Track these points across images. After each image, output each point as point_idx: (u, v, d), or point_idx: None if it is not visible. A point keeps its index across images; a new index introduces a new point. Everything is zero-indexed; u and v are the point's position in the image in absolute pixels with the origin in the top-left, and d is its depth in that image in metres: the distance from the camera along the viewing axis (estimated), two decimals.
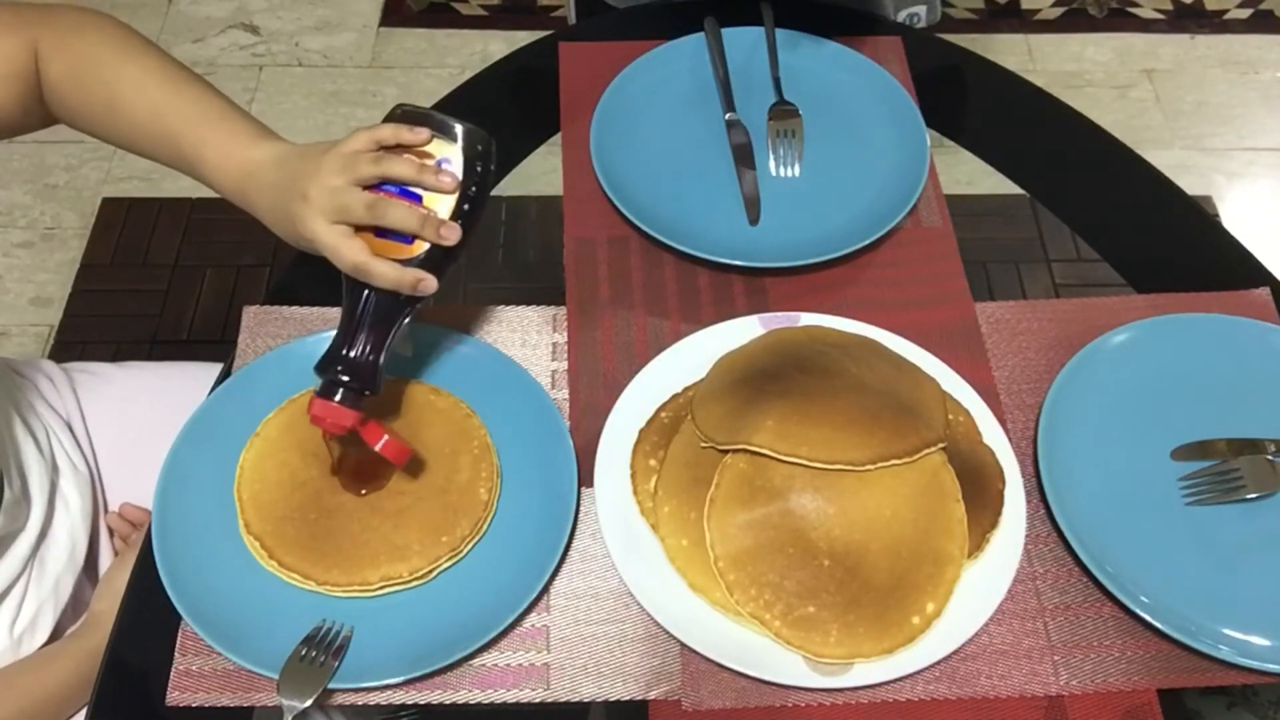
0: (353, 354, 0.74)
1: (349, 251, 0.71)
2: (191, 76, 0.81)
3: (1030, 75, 1.12)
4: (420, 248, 0.73)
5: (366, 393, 0.74)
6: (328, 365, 0.74)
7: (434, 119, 0.75)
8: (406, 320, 0.76)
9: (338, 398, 0.73)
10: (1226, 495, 0.78)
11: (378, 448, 0.74)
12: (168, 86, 0.79)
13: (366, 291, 0.74)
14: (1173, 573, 0.75)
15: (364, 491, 0.77)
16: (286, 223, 0.74)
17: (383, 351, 0.75)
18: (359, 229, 0.73)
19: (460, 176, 0.74)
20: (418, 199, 0.73)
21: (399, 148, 0.73)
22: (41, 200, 2.04)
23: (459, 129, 0.75)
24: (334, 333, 0.81)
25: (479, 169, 0.75)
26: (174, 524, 0.76)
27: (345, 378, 0.73)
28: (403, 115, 0.75)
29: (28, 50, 0.79)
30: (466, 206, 0.74)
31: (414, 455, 0.77)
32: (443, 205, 0.74)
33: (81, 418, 1.04)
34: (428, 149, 0.74)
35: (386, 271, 0.72)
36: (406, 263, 0.73)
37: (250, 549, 0.75)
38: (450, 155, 0.74)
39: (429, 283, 0.73)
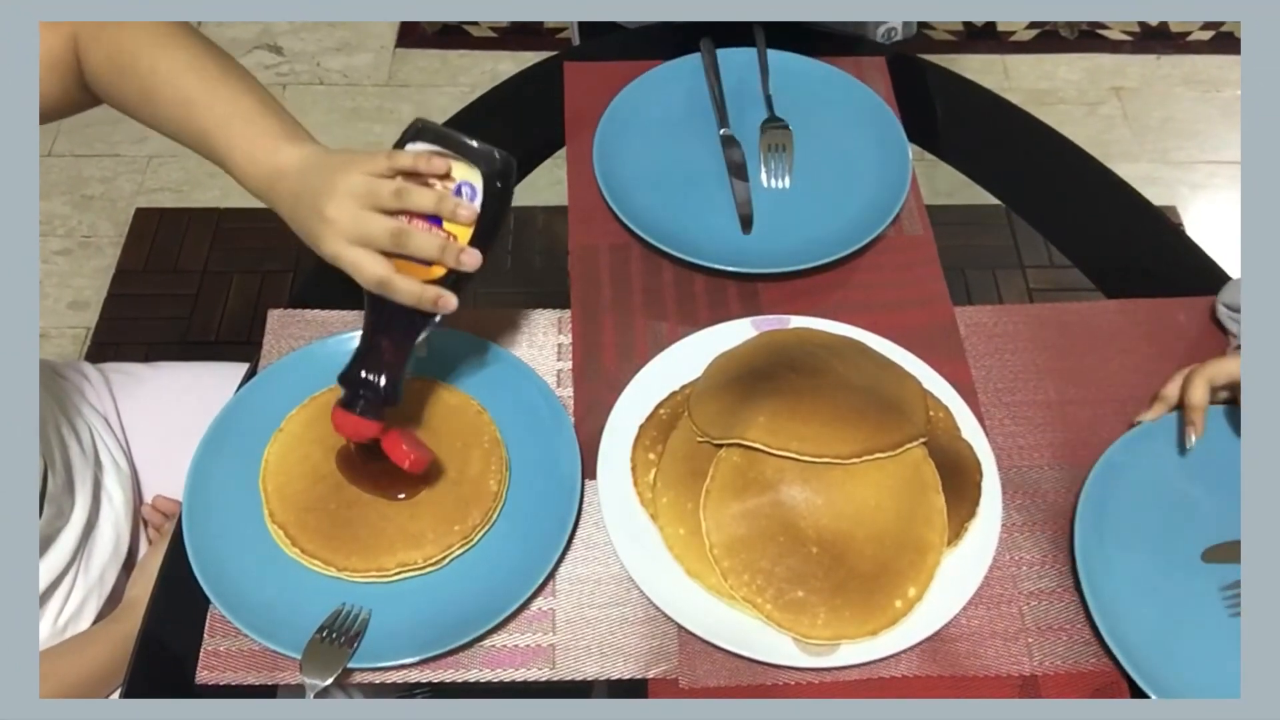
0: (374, 367, 0.73)
1: (371, 267, 0.69)
2: (226, 70, 0.76)
3: (1006, 93, 1.12)
4: (440, 270, 0.71)
5: (388, 405, 0.73)
6: (350, 378, 0.73)
7: (452, 139, 0.71)
8: (425, 334, 0.74)
9: (359, 409, 0.72)
10: None
11: (395, 459, 0.73)
12: (200, 84, 0.75)
13: (387, 306, 0.71)
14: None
15: (401, 496, 0.77)
16: (306, 235, 0.72)
17: (403, 365, 0.74)
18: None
19: (479, 202, 0.71)
20: (438, 222, 0.71)
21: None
22: (78, 210, 2.04)
23: (479, 151, 0.71)
24: (355, 335, 0.81)
25: (498, 190, 0.71)
26: (203, 514, 0.76)
27: (365, 391, 0.72)
28: (421, 132, 0.72)
29: (68, 41, 0.77)
30: (485, 229, 0.72)
31: (433, 462, 0.76)
32: (462, 228, 0.71)
33: (118, 415, 1.04)
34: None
35: (409, 288, 0.70)
36: (427, 283, 0.70)
37: (274, 537, 0.75)
38: (470, 179, 0.71)
39: (448, 300, 0.71)
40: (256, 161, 0.73)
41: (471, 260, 0.70)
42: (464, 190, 0.71)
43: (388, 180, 0.69)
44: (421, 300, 0.70)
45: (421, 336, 0.74)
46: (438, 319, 0.73)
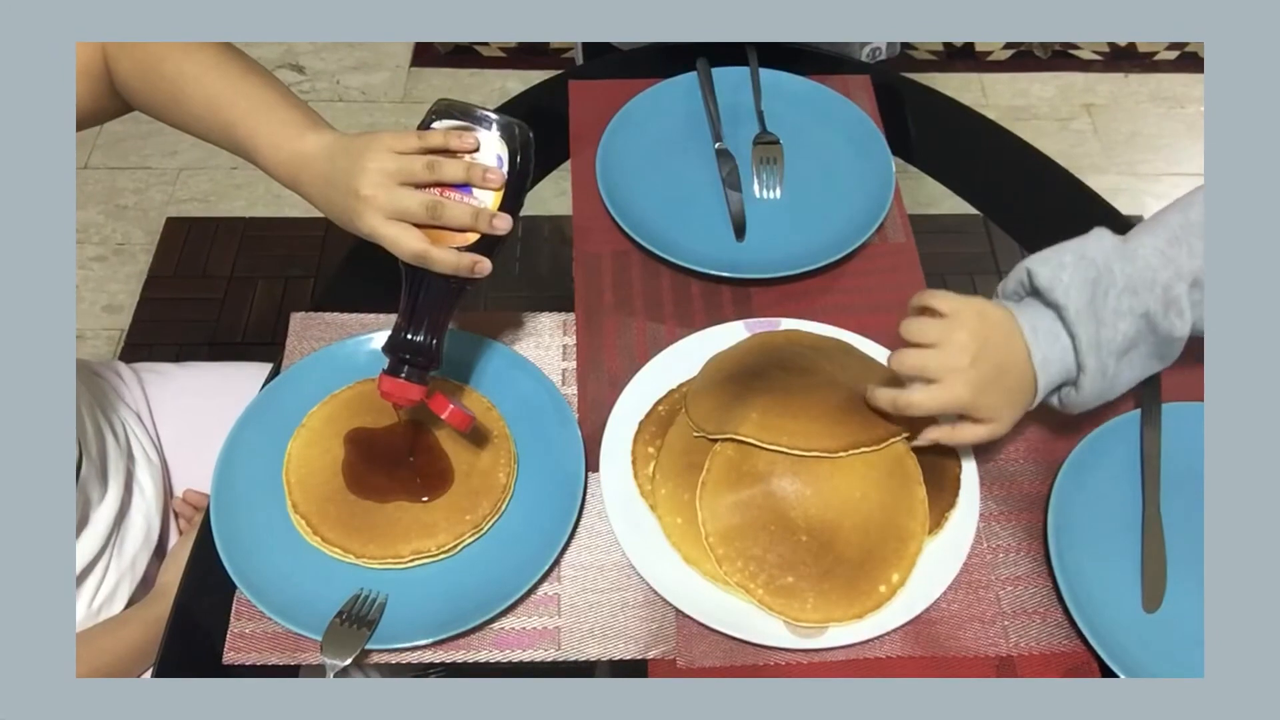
0: (415, 334, 0.73)
1: (409, 242, 0.69)
2: (247, 69, 0.77)
3: (983, 109, 1.12)
4: (473, 236, 0.71)
5: (431, 369, 0.73)
6: (393, 346, 0.73)
7: (474, 113, 0.72)
8: (461, 298, 0.74)
9: (404, 375, 0.72)
10: None
11: (444, 416, 0.73)
12: (224, 81, 0.75)
13: (425, 276, 0.71)
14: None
15: (425, 499, 0.76)
16: (340, 214, 0.72)
17: (444, 329, 0.74)
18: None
19: (505, 168, 0.72)
20: (468, 190, 0.71)
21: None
22: (112, 219, 2.04)
23: (501, 122, 0.72)
24: (373, 337, 0.81)
25: (519, 158, 0.72)
26: (230, 504, 0.76)
27: (409, 356, 0.72)
28: (446, 110, 0.72)
29: (98, 53, 0.77)
30: (513, 194, 0.72)
31: (476, 423, 0.76)
32: (490, 195, 0.72)
33: (149, 412, 1.04)
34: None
35: (446, 258, 0.70)
36: (460, 249, 0.71)
37: (297, 526, 0.75)
38: (496, 149, 0.72)
39: (484, 265, 0.71)
40: (281, 148, 0.73)
41: (504, 224, 0.71)
42: (491, 160, 0.72)
43: (418, 155, 0.69)
44: (459, 268, 0.70)
45: (459, 300, 0.74)
46: (472, 284, 0.73)
